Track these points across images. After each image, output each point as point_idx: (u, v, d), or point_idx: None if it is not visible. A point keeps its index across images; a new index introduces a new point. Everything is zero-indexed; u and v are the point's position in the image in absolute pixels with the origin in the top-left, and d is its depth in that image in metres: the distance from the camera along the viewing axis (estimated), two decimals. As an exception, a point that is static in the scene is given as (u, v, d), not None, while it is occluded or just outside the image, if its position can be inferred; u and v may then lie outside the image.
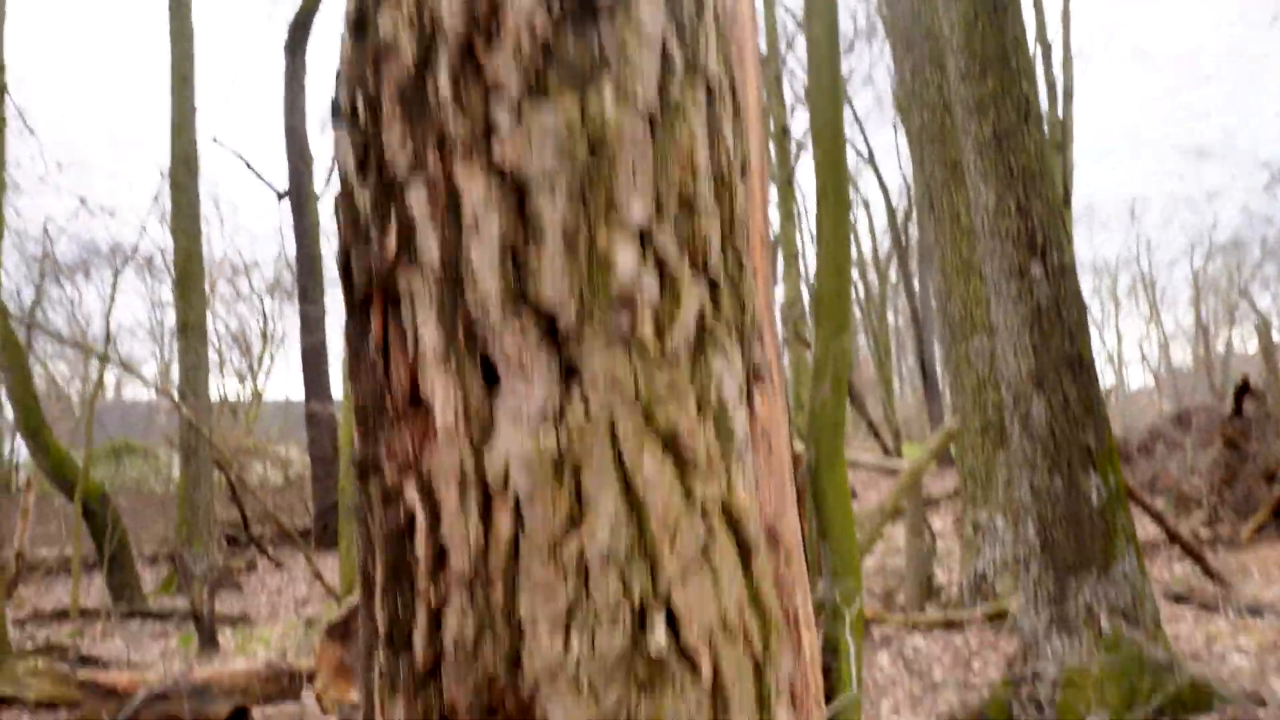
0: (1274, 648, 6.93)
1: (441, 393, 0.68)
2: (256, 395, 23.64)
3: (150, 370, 30.52)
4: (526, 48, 0.73)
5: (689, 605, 0.64)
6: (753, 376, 0.77)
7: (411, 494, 0.68)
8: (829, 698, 3.62)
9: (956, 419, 7.09)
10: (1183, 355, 33.40)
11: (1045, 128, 6.13)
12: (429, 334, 0.68)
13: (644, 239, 0.71)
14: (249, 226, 60.69)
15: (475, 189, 0.69)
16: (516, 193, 0.70)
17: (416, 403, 0.70)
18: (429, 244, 0.70)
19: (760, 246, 1.77)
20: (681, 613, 0.64)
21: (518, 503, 0.65)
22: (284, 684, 6.09)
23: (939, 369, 22.54)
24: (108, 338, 13.49)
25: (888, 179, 32.64)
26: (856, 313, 28.17)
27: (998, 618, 7.83)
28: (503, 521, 0.65)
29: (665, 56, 0.77)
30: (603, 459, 0.66)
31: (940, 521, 13.00)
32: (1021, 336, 5.57)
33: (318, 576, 8.61)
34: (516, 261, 0.68)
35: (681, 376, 0.69)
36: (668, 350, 0.69)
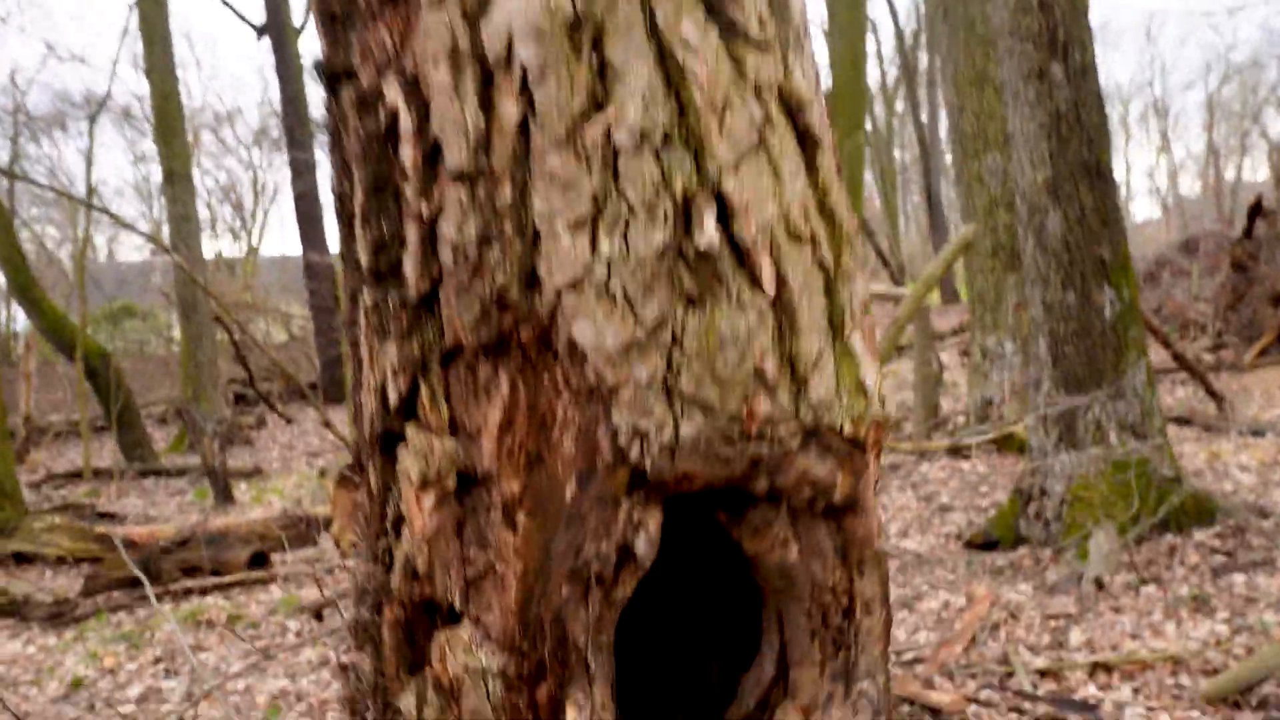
0: (1275, 464, 7.03)
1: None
2: (251, 251, 23.37)
3: (142, 230, 30.07)
4: None
5: (744, 197, 0.52)
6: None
7: (393, 93, 0.55)
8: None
9: (973, 226, 6.95)
10: (1191, 185, 32.84)
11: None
12: None
13: None
14: (229, 70, 58.58)
15: None
16: None
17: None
18: None
19: None
20: (736, 205, 0.51)
21: (525, 81, 0.51)
22: (300, 530, 6.22)
23: (944, 203, 22.22)
24: (89, 186, 13.15)
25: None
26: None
27: (1005, 443, 7.92)
28: (507, 106, 0.51)
29: None
30: (631, 18, 0.51)
31: (947, 356, 13.05)
32: (1039, 144, 5.35)
33: (327, 425, 8.66)
34: None
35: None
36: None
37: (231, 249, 24.68)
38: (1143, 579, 4.93)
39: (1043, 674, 4.06)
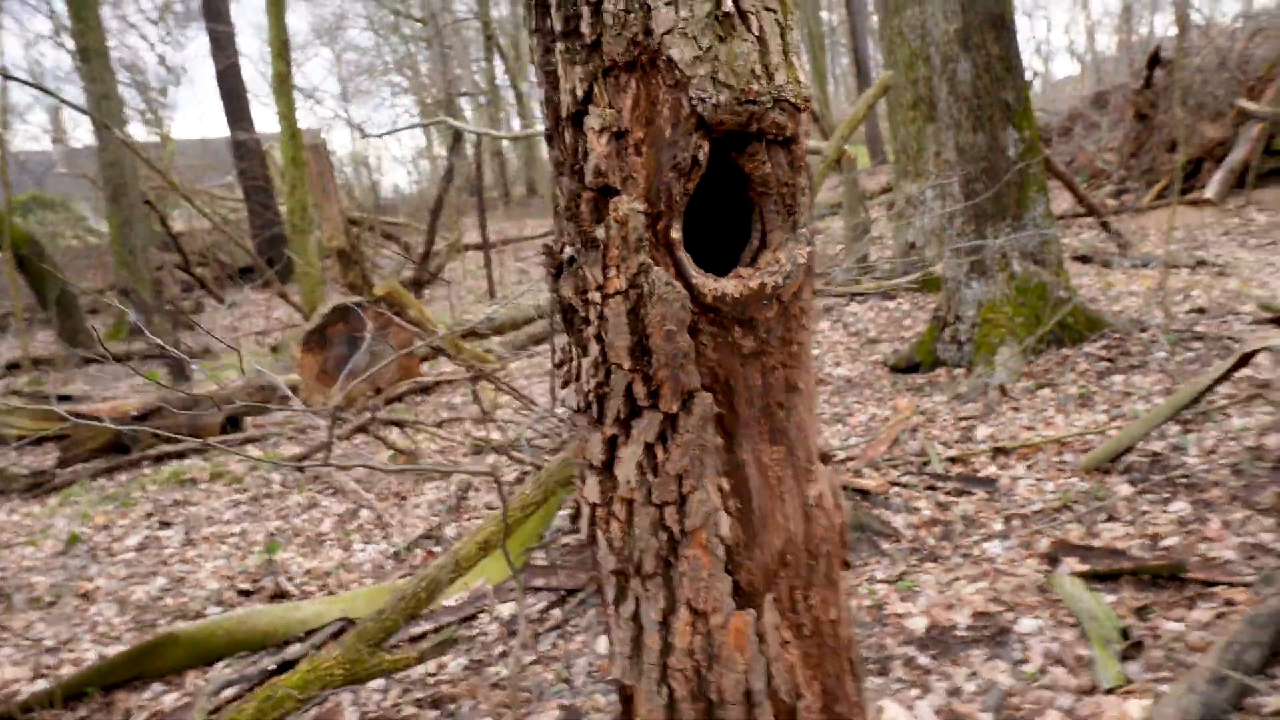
0: (1158, 289, 7.99)
1: None
2: (164, 136, 22.77)
3: (40, 118, 28.76)
4: None
5: None
6: None
7: None
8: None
9: (892, 72, 7.58)
10: (1109, 41, 33.85)
11: None
12: None
13: None
14: None
15: None
16: None
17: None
18: None
19: None
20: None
21: None
22: (268, 394, 6.71)
23: (871, 65, 22.74)
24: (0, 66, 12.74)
25: None
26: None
27: (927, 283, 8.75)
28: None
29: None
30: None
31: (876, 213, 13.82)
32: (950, -3, 5.94)
33: (282, 296, 9.04)
34: None
35: None
36: None
37: (141, 134, 23.94)
38: (1039, 384, 5.81)
39: (953, 460, 4.93)
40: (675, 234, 1.15)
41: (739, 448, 1.26)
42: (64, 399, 8.08)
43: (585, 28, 1.13)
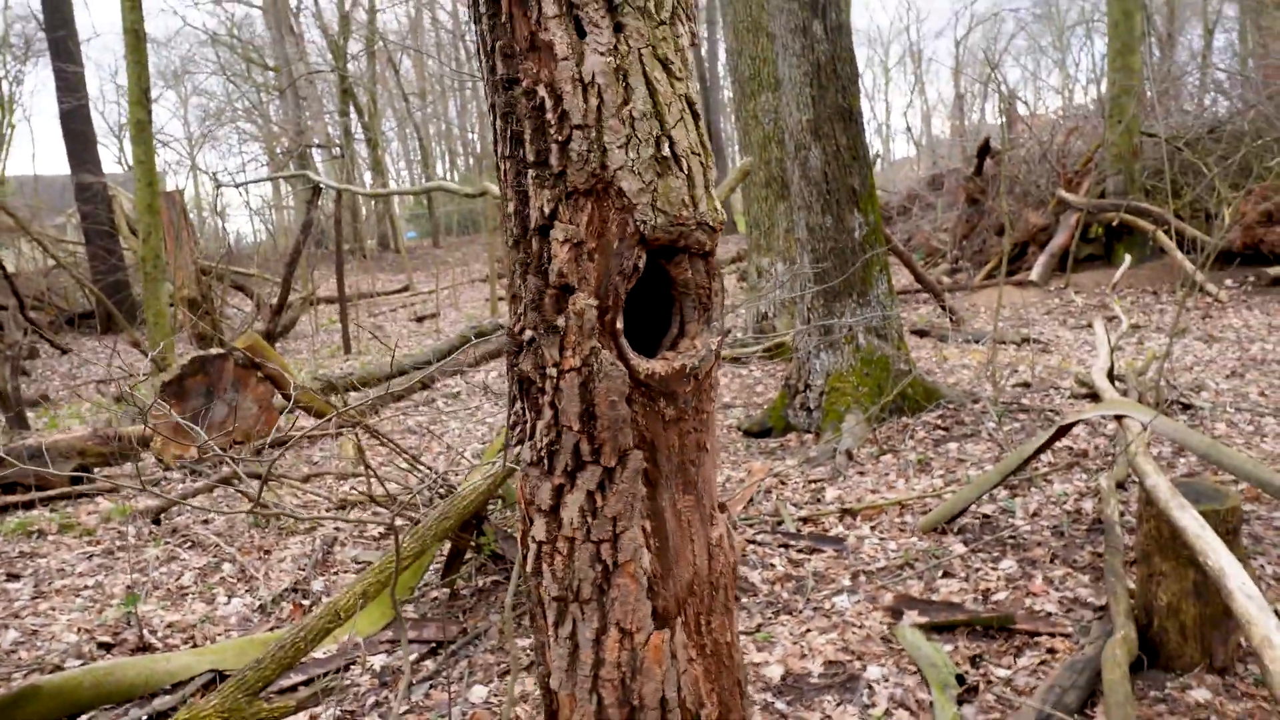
0: (988, 364, 8.85)
1: (559, 39, 1.46)
2: (-3, 174, 21.45)
3: None
4: None
5: (678, 137, 1.49)
6: (694, 38, 1.60)
7: (542, 90, 1.47)
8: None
9: (750, 159, 8.22)
10: (944, 125, 36.85)
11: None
12: (548, 7, 1.46)
13: None
14: None
15: None
16: None
17: (535, 47, 1.47)
18: None
19: None
20: (676, 140, 1.48)
21: (599, 90, 1.45)
22: (116, 447, 6.56)
23: (723, 137, 23.96)
24: None
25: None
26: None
27: (777, 351, 9.38)
28: (593, 99, 1.45)
29: None
30: (636, 70, 1.48)
31: (729, 280, 14.55)
32: (803, 89, 6.60)
33: (135, 345, 8.74)
34: None
35: (667, 31, 1.51)
36: (661, 17, 1.51)
37: None
38: (882, 450, 6.34)
39: (804, 520, 5.34)
40: (619, 324, 1.48)
41: (660, 496, 1.58)
42: (-121, 447, 7.58)
43: (554, 160, 1.45)
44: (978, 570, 4.30)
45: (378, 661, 4.16)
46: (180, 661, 4.02)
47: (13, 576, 5.43)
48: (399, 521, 5.53)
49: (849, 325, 6.96)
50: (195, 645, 4.42)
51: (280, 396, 7.88)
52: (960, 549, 4.57)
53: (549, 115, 1.45)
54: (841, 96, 6.66)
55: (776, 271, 9.29)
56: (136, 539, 5.89)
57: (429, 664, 4.07)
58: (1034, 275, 12.64)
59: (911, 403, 7.01)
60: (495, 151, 1.53)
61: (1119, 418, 4.69)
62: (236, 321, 12.79)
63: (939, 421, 6.79)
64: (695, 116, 1.52)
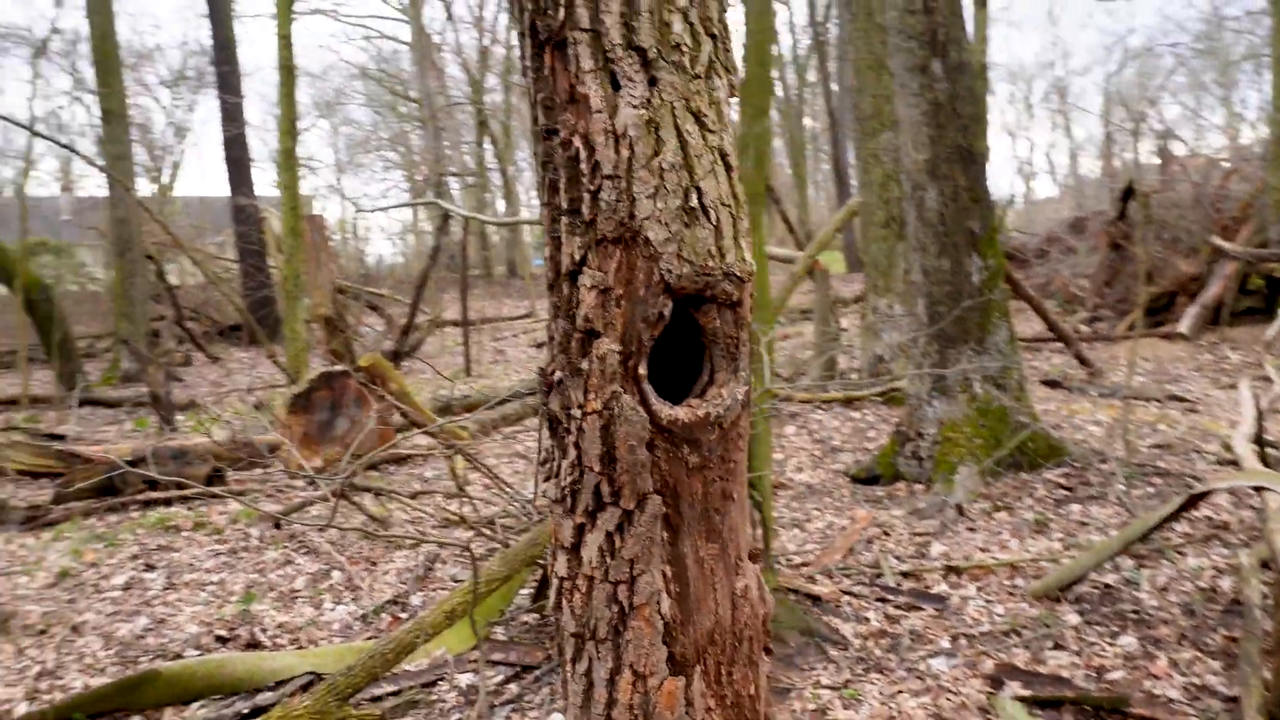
0: (1123, 420, 8.40)
1: (594, 92, 1.52)
2: (163, 190, 23.43)
3: (51, 165, 29.91)
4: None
5: (707, 188, 1.52)
6: (732, 89, 1.63)
7: (577, 141, 1.53)
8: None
9: (858, 197, 8.13)
10: (1091, 165, 35.42)
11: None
12: (585, 62, 1.52)
13: (685, 14, 1.55)
14: (150, 10, 57.52)
15: None
16: None
17: (574, 100, 1.53)
18: (583, 15, 1.52)
19: None
20: (705, 191, 1.52)
21: (631, 141, 1.50)
22: (250, 453, 7.00)
23: (850, 173, 23.72)
24: (32, 119, 13.38)
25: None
26: (775, 115, 28.94)
27: (892, 395, 9.17)
28: (624, 150, 1.50)
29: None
30: (668, 123, 1.52)
31: (847, 321, 14.33)
32: (920, 129, 6.49)
33: (272, 359, 9.33)
34: (627, 24, 1.51)
35: (702, 85, 1.55)
36: (696, 70, 1.55)
37: (145, 188, 25.01)
38: (997, 506, 6.10)
39: (905, 575, 5.18)
40: (642, 370, 1.52)
41: (681, 542, 1.60)
42: (55, 438, 8.33)
43: (585, 209, 1.51)
44: (1092, 644, 4.05)
45: (464, 680, 4.27)
46: (284, 661, 4.26)
47: (149, 567, 5.87)
48: (483, 547, 5.68)
49: (964, 373, 6.75)
50: (300, 647, 4.66)
51: (398, 414, 8.20)
52: (1074, 619, 4.32)
53: (583, 165, 1.50)
54: (961, 136, 6.52)
55: (895, 313, 9.11)
56: (259, 541, 6.26)
57: (513, 687, 4.15)
58: (1183, 328, 11.95)
59: (1032, 458, 6.70)
60: (539, 199, 1.60)
61: (1259, 489, 4.36)
62: (369, 340, 13.42)
63: (1062, 480, 6.46)
64: (728, 168, 1.55)
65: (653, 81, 1.51)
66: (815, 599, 4.98)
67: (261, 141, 42.15)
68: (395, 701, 4.07)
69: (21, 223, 11.53)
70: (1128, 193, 12.60)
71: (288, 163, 10.38)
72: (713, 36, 1.58)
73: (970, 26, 17.98)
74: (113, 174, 10.34)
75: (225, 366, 14.03)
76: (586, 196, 1.50)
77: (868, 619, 4.62)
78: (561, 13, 1.52)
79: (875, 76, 9.17)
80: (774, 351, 4.62)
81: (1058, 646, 4.07)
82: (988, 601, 4.73)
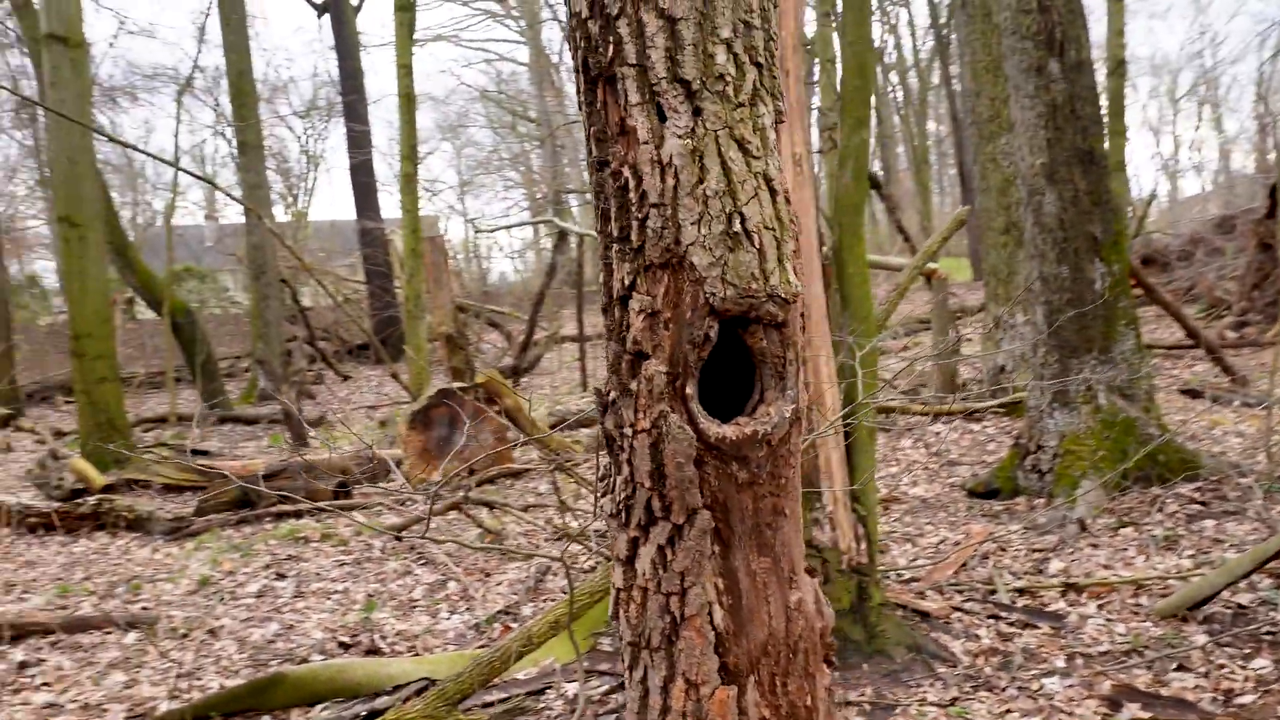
0: (1270, 431, 7.90)
1: (640, 124, 1.60)
2: (298, 215, 24.92)
3: (196, 195, 32.34)
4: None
5: (750, 214, 1.58)
6: (779, 114, 1.68)
7: (626, 171, 1.61)
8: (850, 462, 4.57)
9: (966, 206, 7.94)
10: (1243, 161, 33.25)
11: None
12: (632, 95, 1.60)
13: (728, 45, 1.62)
14: (284, 45, 61.39)
15: (651, 22, 1.60)
16: (671, 23, 1.60)
17: (624, 131, 1.61)
18: (630, 51, 1.60)
19: (792, 51, 2.76)
20: (748, 216, 1.58)
21: (676, 170, 1.57)
22: (374, 467, 7.37)
23: (975, 175, 23.07)
24: (176, 153, 14.54)
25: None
26: (895, 120, 28.41)
27: (1013, 407, 8.89)
28: (669, 179, 1.58)
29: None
30: (712, 151, 1.58)
31: (971, 329, 13.93)
32: (1037, 132, 6.32)
33: (395, 377, 9.79)
34: (672, 58, 1.58)
35: (746, 113, 1.61)
36: (740, 99, 1.61)
37: (279, 214, 26.87)
38: (1122, 522, 5.87)
39: (1020, 592, 5.05)
40: (689, 390, 1.59)
41: (733, 556, 1.66)
42: (199, 454, 8.98)
43: (634, 236, 1.59)
44: (1221, 667, 3.86)
45: (571, 689, 4.39)
46: (400, 667, 4.49)
47: (280, 576, 6.26)
48: (592, 559, 5.81)
49: (1087, 383, 6.51)
50: (416, 654, 4.88)
51: (513, 430, 8.45)
52: (1202, 639, 4.12)
53: (631, 194, 1.58)
54: (1081, 138, 6.31)
55: (1017, 322, 8.84)
56: (381, 552, 6.58)
57: (617, 697, 4.23)
58: (1340, 332, 11.16)
59: (1163, 471, 6.39)
60: (595, 228, 1.69)
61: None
62: (489, 356, 13.86)
63: (1195, 495, 6.16)
64: (773, 193, 1.60)
65: (697, 112, 1.57)
66: (924, 615, 4.90)
67: (388, 165, 44.22)
68: (503, 708, 4.22)
69: (168, 252, 12.57)
70: (1275, 190, 11.85)
71: (408, 186, 10.92)
72: (757, 65, 1.64)
73: (1104, 21, 17.30)
74: (247, 203, 11.12)
75: (354, 384, 14.79)
76: (635, 224, 1.58)
77: (978, 636, 4.53)
78: (610, 49, 1.61)
79: (993, 79, 8.96)
80: (876, 364, 4.57)
81: (1182, 668, 3.90)
82: (1108, 620, 4.58)
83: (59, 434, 12.09)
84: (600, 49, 1.62)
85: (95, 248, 9.35)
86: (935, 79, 28.87)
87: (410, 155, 10.89)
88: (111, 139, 9.45)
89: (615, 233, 1.60)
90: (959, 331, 10.09)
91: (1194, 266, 15.20)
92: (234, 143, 14.47)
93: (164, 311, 12.31)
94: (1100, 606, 4.79)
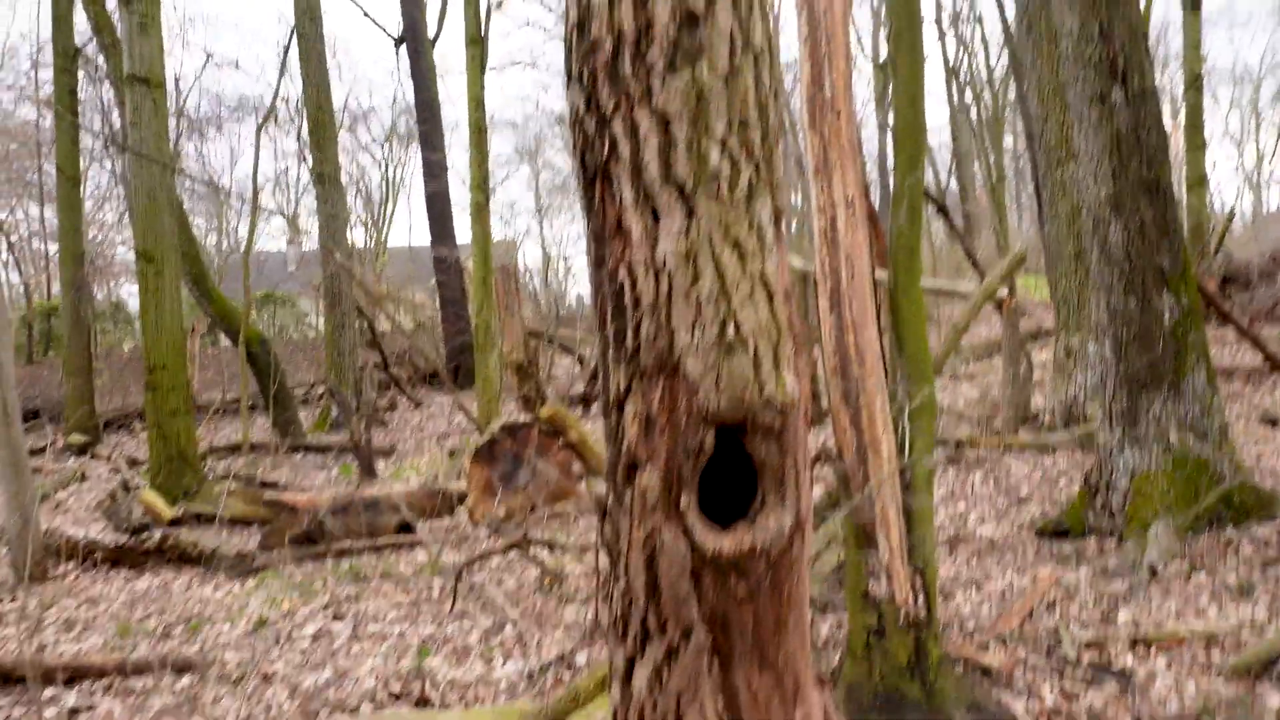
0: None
1: (635, 224, 1.53)
2: (379, 244, 25.53)
3: (278, 222, 33.48)
4: (666, 44, 1.52)
5: (744, 318, 1.49)
6: (778, 213, 1.59)
7: (622, 272, 1.54)
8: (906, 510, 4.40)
9: (1023, 244, 7.66)
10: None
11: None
12: (627, 195, 1.53)
13: (723, 144, 1.53)
14: (365, 74, 63.47)
15: (644, 121, 1.53)
16: (664, 122, 1.53)
17: (620, 231, 1.54)
18: (624, 150, 1.54)
19: (844, 90, 2.66)
20: (742, 322, 1.49)
21: (669, 273, 1.50)
22: (438, 502, 7.40)
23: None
24: (255, 187, 15.00)
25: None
26: (968, 139, 27.82)
27: (1088, 440, 8.53)
28: (663, 283, 1.50)
29: (731, 41, 1.55)
30: (705, 253, 1.51)
31: (1047, 353, 13.50)
32: (1101, 162, 6.07)
33: (461, 409, 9.85)
34: (665, 158, 1.51)
35: (741, 212, 1.53)
36: (735, 200, 1.52)
37: (360, 239, 27.68)
38: (1195, 567, 5.55)
39: (1088, 645, 4.79)
40: (683, 501, 1.50)
41: (734, 673, 1.56)
42: (269, 485, 9.12)
43: (629, 341, 1.52)
44: (1298, 730, 3.66)
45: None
46: (445, 720, 4.44)
47: (338, 617, 6.26)
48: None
49: (1158, 420, 6.19)
50: (466, 705, 4.82)
51: (579, 464, 8.41)
52: (1276, 702, 3.88)
53: (626, 297, 1.51)
54: (1146, 168, 6.03)
55: (1088, 353, 8.49)
56: (440, 593, 6.55)
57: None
58: None
59: (1238, 512, 6.05)
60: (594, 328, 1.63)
61: None
62: (561, 383, 13.89)
63: (1274, 537, 5.81)
64: (769, 295, 1.51)
65: (690, 212, 1.50)
66: (986, 670, 4.70)
67: (466, 190, 45.14)
68: (548, 765, 4.14)
69: (244, 282, 12.87)
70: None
71: (479, 215, 11.03)
72: (754, 162, 1.56)
73: (1181, 35, 16.70)
74: (322, 237, 11.34)
75: (427, 410, 14.96)
76: (630, 327, 1.51)
77: (1041, 695, 4.32)
78: (605, 148, 1.54)
79: (1059, 103, 8.67)
80: (933, 412, 4.40)
81: (1254, 733, 3.66)
82: (1178, 678, 4.32)
83: (133, 463, 12.37)
84: (596, 147, 1.56)
85: (171, 281, 9.60)
86: (1011, 94, 28.30)
87: (481, 185, 11.00)
88: (191, 178, 9.76)
89: (612, 335, 1.53)
90: (1029, 360, 9.74)
91: (1277, 285, 14.51)
92: (314, 175, 14.81)
93: (239, 341, 12.64)
94: (1169, 662, 4.53)
